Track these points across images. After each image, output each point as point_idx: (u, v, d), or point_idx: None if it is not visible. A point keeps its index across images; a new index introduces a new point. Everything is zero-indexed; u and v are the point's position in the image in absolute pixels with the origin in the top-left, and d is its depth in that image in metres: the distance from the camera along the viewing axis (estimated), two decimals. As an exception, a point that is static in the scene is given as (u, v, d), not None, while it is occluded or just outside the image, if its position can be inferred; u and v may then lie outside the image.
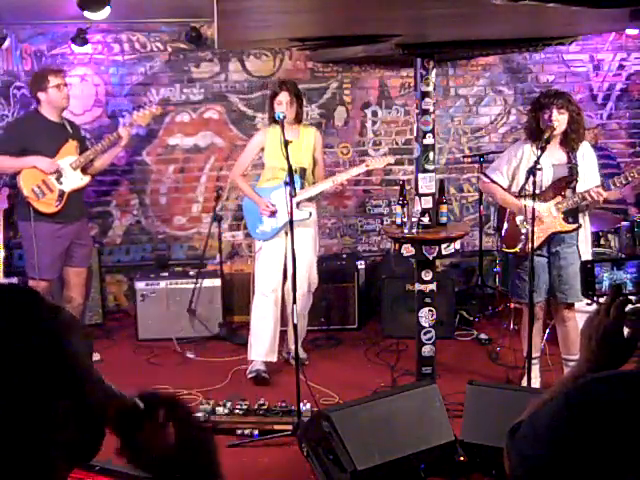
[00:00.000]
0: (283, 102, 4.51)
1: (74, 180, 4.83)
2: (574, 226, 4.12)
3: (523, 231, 4.18)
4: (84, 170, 4.89)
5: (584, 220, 4.18)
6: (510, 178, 4.22)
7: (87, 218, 5.29)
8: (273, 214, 4.65)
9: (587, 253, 4.18)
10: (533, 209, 3.82)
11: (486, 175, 4.36)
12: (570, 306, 4.21)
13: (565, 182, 4.10)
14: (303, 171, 4.65)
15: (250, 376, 4.63)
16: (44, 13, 5.39)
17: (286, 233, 4.64)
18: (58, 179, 4.76)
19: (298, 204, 4.54)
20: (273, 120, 4.56)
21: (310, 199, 4.72)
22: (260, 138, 4.77)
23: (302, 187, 4.61)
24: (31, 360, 0.90)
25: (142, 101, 6.05)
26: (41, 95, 4.75)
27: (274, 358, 4.70)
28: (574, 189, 4.10)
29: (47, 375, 0.91)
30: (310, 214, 4.64)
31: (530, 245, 3.89)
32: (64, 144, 4.81)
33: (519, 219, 4.21)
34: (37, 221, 4.70)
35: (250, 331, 4.76)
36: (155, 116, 5.21)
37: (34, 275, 4.71)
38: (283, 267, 4.67)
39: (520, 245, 4.20)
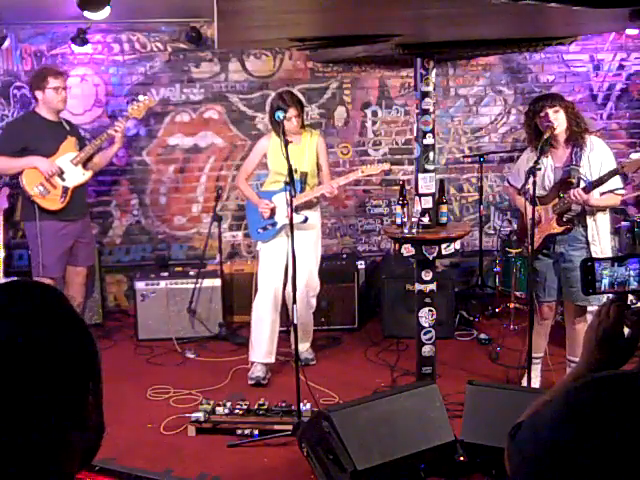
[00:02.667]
0: (292, 118, 4.53)
1: (76, 176, 4.91)
2: (563, 228, 4.11)
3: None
4: (85, 166, 4.97)
5: (594, 221, 4.06)
6: (522, 181, 4.25)
7: (89, 216, 5.35)
8: (272, 211, 4.69)
9: (603, 254, 4.04)
10: (533, 210, 3.83)
11: (508, 180, 4.53)
12: (582, 309, 4.17)
13: (563, 184, 4.09)
14: (304, 175, 4.68)
15: (250, 382, 4.61)
16: (44, 13, 5.39)
17: (287, 235, 4.63)
18: (60, 176, 4.84)
19: (297, 208, 4.54)
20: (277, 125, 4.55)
21: (310, 205, 4.74)
22: (264, 144, 4.80)
23: (302, 191, 4.65)
24: (68, 353, 0.93)
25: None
26: (38, 94, 4.82)
27: (272, 359, 4.69)
28: None
29: (82, 367, 0.94)
30: (306, 219, 4.65)
31: (530, 246, 3.89)
32: (63, 141, 4.89)
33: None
34: (42, 220, 4.78)
35: (250, 332, 4.76)
36: (150, 107, 5.20)
37: (40, 274, 4.77)
38: (284, 268, 4.66)
39: (523, 246, 4.33)
